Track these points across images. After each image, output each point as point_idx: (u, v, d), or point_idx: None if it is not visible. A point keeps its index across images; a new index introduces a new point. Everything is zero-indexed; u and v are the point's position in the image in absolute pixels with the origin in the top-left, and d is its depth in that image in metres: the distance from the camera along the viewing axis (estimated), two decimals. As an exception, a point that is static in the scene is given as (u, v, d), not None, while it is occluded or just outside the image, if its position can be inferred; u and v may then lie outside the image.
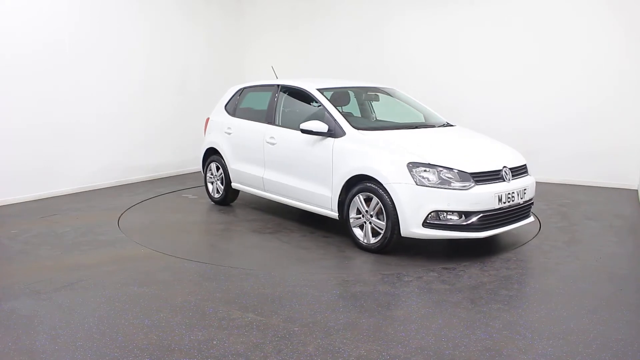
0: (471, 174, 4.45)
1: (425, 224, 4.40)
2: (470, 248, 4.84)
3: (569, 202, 6.74)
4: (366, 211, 4.72)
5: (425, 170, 4.43)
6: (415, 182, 4.40)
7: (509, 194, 4.58)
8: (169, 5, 8.71)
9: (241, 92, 6.66)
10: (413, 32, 8.93)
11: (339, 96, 5.72)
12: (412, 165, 4.46)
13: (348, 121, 5.10)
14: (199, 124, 9.40)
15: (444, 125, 5.68)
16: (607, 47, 7.52)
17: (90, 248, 4.91)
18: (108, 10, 7.66)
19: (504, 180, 4.61)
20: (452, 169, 4.43)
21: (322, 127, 5.09)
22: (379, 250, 4.66)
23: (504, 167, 4.68)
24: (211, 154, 6.76)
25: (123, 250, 4.85)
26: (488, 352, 2.95)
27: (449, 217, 4.39)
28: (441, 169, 4.43)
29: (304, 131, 5.19)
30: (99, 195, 7.23)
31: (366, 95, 6.18)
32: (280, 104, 5.93)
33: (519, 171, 4.90)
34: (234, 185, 6.43)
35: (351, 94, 6.02)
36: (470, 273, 4.23)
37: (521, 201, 4.74)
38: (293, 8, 10.00)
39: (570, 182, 7.91)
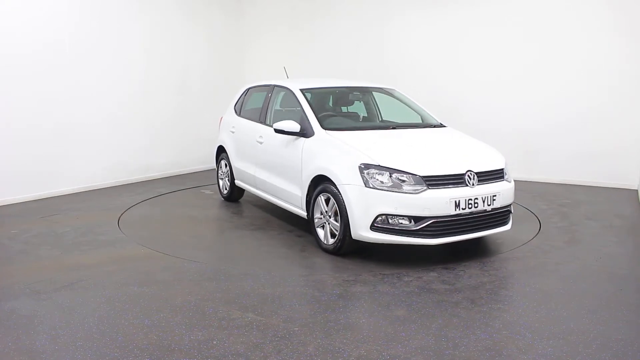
0: (423, 177, 4.25)
1: (374, 227, 4.28)
2: (470, 248, 4.84)
3: (569, 202, 6.74)
4: (326, 212, 4.71)
5: (376, 173, 4.31)
6: (365, 183, 4.31)
7: (470, 199, 4.31)
8: (169, 5, 8.71)
9: (247, 92, 6.82)
10: (413, 32, 8.93)
11: (325, 96, 5.82)
12: (364, 167, 4.35)
13: (319, 121, 5.11)
14: (199, 124, 9.43)
15: (432, 126, 5.55)
16: (607, 47, 7.52)
17: (90, 248, 4.91)
18: (108, 10, 7.66)
19: (467, 185, 4.36)
20: (402, 171, 4.27)
21: (294, 126, 5.13)
22: (334, 252, 4.64)
23: (468, 171, 4.40)
24: (221, 152, 7.00)
25: (123, 250, 4.86)
26: (488, 352, 2.95)
27: (399, 221, 4.23)
28: (392, 171, 4.28)
29: (276, 130, 5.24)
30: (99, 195, 7.23)
31: (353, 95, 6.18)
32: (271, 104, 6.06)
33: (491, 176, 4.57)
34: (237, 182, 6.60)
35: (342, 94, 6.09)
36: (470, 273, 4.23)
37: (489, 208, 4.43)
38: (293, 8, 10.00)
39: (570, 182, 7.91)
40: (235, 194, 6.79)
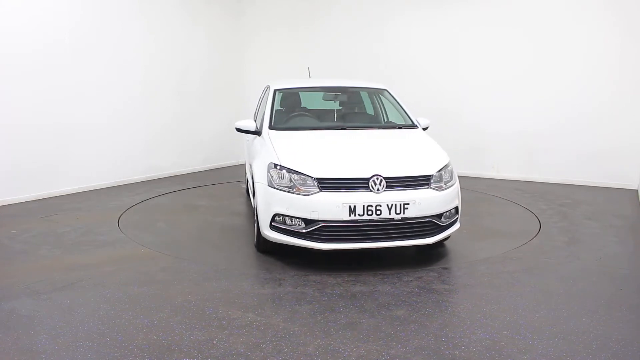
0: (317, 179, 4.14)
1: (272, 226, 4.30)
2: (470, 248, 4.84)
3: (569, 202, 6.74)
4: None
5: (279, 172, 4.32)
6: (268, 182, 4.35)
7: (371, 206, 4.04)
8: (169, 5, 8.71)
9: (262, 92, 7.04)
10: (413, 33, 8.94)
11: (302, 96, 6.06)
12: (270, 167, 4.40)
13: (271, 121, 5.22)
14: (199, 124, 9.44)
15: (397, 127, 5.38)
16: (606, 47, 7.52)
17: (90, 248, 4.91)
18: (108, 11, 7.66)
19: (371, 191, 4.12)
20: (298, 172, 4.22)
21: (250, 125, 5.31)
22: (257, 248, 4.74)
23: (374, 175, 4.14)
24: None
25: (123, 250, 4.86)
26: (488, 352, 2.95)
27: (295, 222, 4.19)
28: (291, 172, 4.25)
29: (236, 129, 5.41)
30: (100, 195, 7.23)
31: (326, 96, 6.24)
32: (263, 103, 6.20)
33: (407, 182, 4.20)
34: (248, 177, 6.85)
35: (320, 94, 6.24)
36: (470, 273, 4.23)
37: (397, 217, 4.09)
38: (293, 8, 10.00)
39: (570, 182, 7.91)
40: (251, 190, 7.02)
